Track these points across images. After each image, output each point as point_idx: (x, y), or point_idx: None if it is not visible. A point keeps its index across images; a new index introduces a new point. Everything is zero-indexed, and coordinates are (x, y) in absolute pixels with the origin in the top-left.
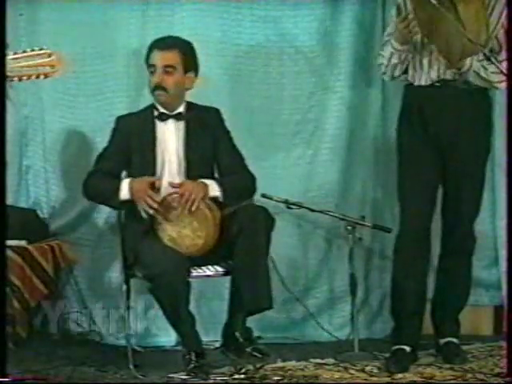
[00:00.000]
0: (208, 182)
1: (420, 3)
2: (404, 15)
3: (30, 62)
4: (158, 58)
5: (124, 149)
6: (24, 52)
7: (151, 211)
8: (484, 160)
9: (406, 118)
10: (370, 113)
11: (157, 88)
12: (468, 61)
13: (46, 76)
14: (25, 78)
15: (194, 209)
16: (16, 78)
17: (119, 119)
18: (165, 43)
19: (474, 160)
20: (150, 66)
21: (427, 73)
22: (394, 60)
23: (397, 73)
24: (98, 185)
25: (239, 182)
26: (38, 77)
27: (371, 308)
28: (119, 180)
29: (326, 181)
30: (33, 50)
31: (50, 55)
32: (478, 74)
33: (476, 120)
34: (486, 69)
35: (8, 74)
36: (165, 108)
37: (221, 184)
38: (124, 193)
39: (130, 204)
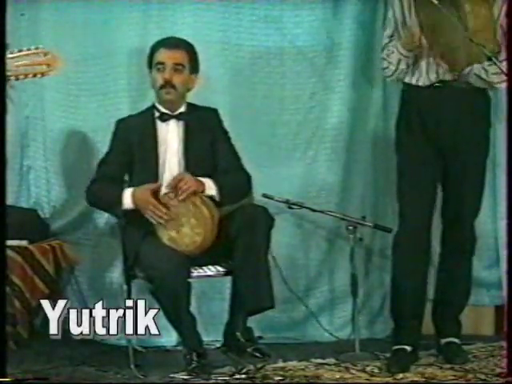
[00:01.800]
0: (204, 180)
1: (425, 8)
2: (409, 27)
3: (27, 61)
4: (168, 56)
5: (125, 152)
6: (20, 51)
7: (161, 221)
8: (484, 159)
9: (405, 119)
10: (371, 113)
11: (166, 85)
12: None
13: (42, 75)
14: (21, 76)
15: (181, 198)
16: (13, 77)
17: (119, 122)
18: (172, 43)
19: (473, 160)
20: (158, 64)
21: (426, 74)
22: (403, 66)
23: (405, 77)
24: (100, 192)
25: (234, 181)
26: (34, 75)
27: (372, 308)
28: (122, 186)
29: (326, 181)
30: (29, 49)
31: (45, 54)
32: (479, 76)
33: (475, 120)
34: (486, 71)
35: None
36: (167, 108)
37: (217, 183)
38: (127, 202)
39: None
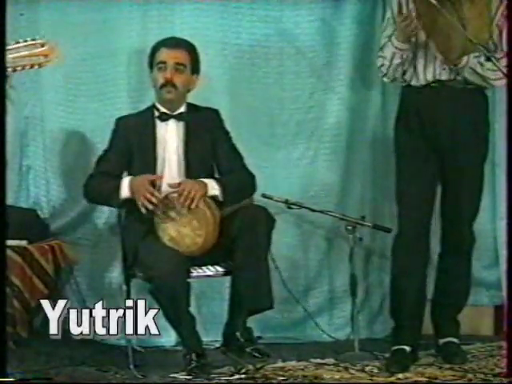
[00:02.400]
0: (207, 180)
1: (423, 8)
2: (406, 13)
3: (24, 53)
4: (169, 56)
5: (124, 150)
6: (17, 43)
7: (150, 206)
8: (482, 159)
9: (404, 119)
10: (370, 113)
11: (167, 84)
12: (465, 57)
13: (39, 66)
14: (19, 68)
15: (193, 206)
16: (10, 69)
17: (119, 120)
18: (173, 42)
19: (472, 160)
20: (159, 63)
21: (423, 73)
22: (396, 60)
23: (398, 74)
24: (99, 186)
25: (238, 180)
26: (31, 67)
27: (371, 308)
28: (120, 180)
29: (326, 181)
30: (25, 41)
31: (43, 45)
32: (475, 70)
33: (473, 120)
34: (482, 65)
35: None
36: (167, 108)
37: (220, 183)
38: (124, 191)
39: (131, 204)
